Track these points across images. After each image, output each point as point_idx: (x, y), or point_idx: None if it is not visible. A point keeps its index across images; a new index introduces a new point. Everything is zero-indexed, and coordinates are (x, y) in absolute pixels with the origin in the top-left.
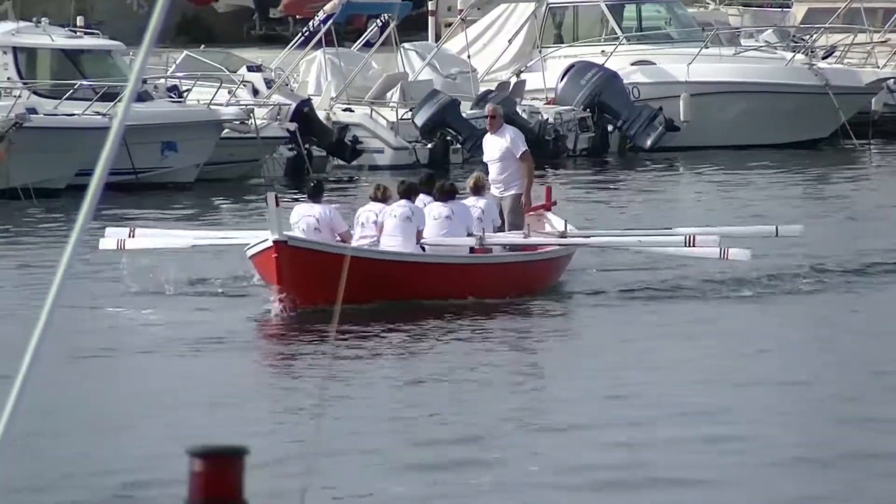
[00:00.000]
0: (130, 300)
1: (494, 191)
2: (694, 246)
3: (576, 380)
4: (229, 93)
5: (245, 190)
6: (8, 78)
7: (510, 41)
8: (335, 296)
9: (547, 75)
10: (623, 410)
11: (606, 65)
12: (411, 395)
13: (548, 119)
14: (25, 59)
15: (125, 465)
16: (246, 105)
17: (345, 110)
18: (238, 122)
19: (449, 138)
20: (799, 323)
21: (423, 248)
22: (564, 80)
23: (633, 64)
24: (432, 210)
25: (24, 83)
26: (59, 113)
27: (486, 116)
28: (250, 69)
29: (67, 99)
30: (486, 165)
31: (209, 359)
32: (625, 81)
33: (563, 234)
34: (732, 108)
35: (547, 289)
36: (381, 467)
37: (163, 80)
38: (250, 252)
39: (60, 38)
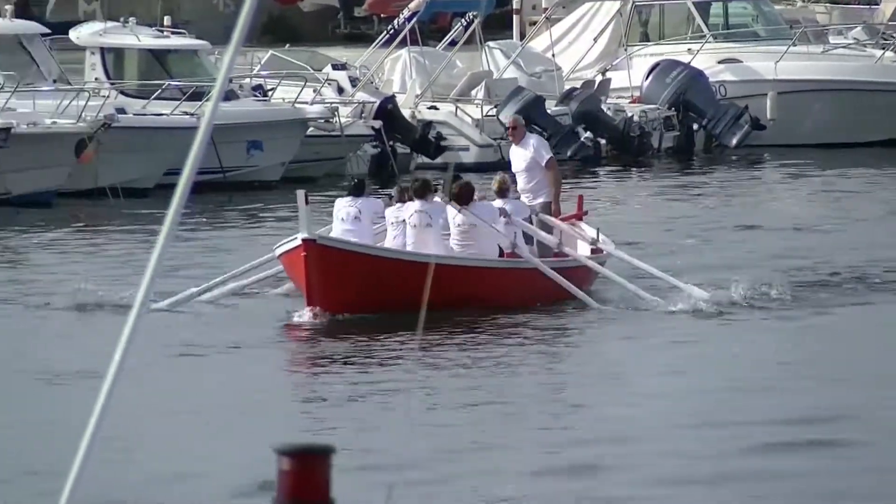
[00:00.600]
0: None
1: (524, 199)
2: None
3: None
4: (314, 91)
5: (330, 188)
6: (96, 78)
7: (595, 39)
8: (366, 299)
9: (632, 73)
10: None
11: (692, 63)
12: (491, 397)
13: (632, 117)
14: (113, 59)
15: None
16: (331, 103)
17: (430, 108)
18: (323, 121)
19: None
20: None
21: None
22: (650, 78)
23: (719, 62)
24: (453, 213)
25: (112, 83)
26: (146, 113)
27: (508, 128)
28: (335, 67)
29: (155, 99)
30: (514, 176)
31: (263, 363)
32: (711, 80)
33: (594, 242)
34: (820, 107)
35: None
36: (467, 469)
37: (248, 80)
38: (279, 250)
39: (148, 38)
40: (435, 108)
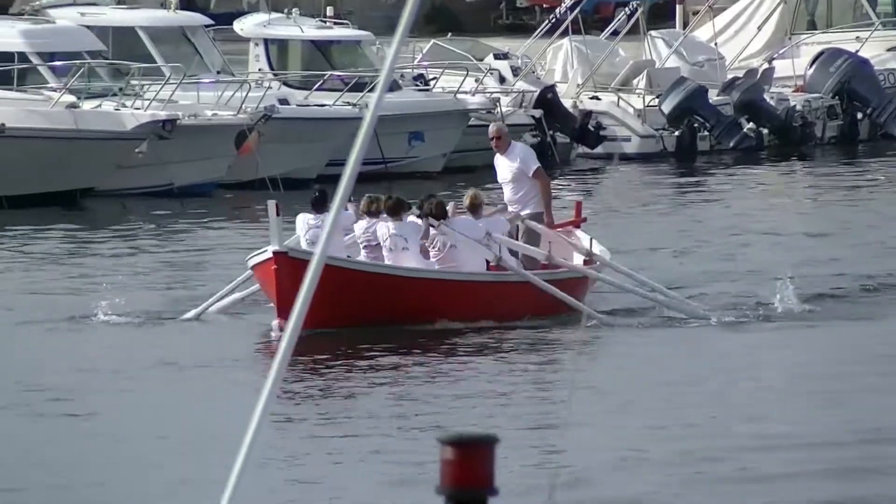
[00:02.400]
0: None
1: (512, 210)
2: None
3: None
4: (476, 81)
5: (491, 178)
6: (259, 69)
7: (760, 28)
8: (339, 314)
9: (797, 62)
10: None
11: (861, 51)
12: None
13: (795, 106)
14: (276, 50)
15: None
16: (492, 93)
17: (591, 98)
18: (484, 111)
19: (696, 125)
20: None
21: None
22: (814, 67)
23: (888, 50)
24: (436, 240)
25: (276, 74)
26: (309, 104)
27: (491, 138)
28: (497, 57)
29: (317, 90)
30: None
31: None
32: (879, 68)
33: (588, 253)
34: None
35: (568, 308)
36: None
37: (410, 70)
38: (251, 262)
39: (311, 30)
40: (597, 97)
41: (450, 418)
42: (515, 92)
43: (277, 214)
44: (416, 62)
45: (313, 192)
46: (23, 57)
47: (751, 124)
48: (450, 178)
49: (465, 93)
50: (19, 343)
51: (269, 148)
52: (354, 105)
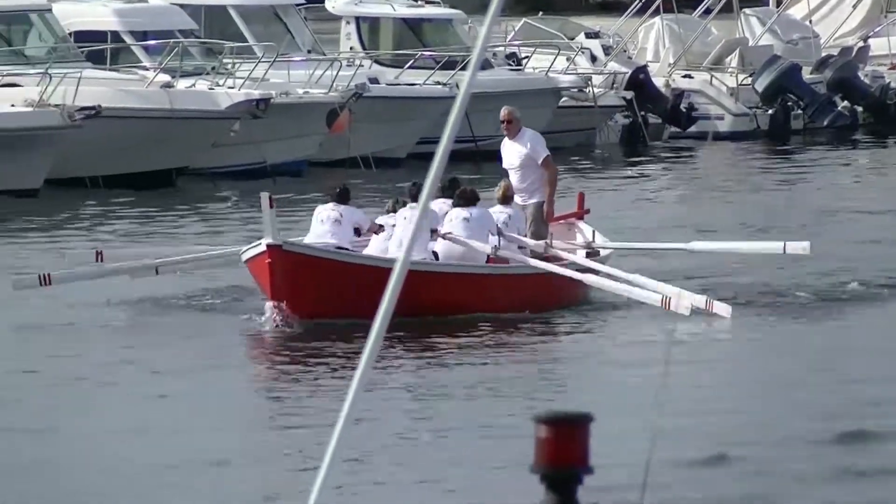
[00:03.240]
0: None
1: (517, 198)
2: (668, 308)
3: None
4: (567, 60)
5: (581, 158)
6: (351, 48)
7: (855, 6)
8: (334, 308)
9: (893, 40)
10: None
11: None
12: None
13: (890, 84)
14: (368, 28)
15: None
16: (583, 73)
17: (684, 77)
18: (576, 90)
19: (790, 104)
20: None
21: (436, 256)
22: None
23: None
24: (451, 214)
25: (367, 53)
26: (399, 82)
27: (502, 121)
28: (588, 36)
29: (408, 68)
30: (506, 172)
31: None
32: None
33: (589, 245)
34: None
35: (570, 302)
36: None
37: (502, 48)
38: (245, 256)
39: (403, 8)
40: (689, 76)
41: (540, 399)
42: (607, 72)
43: (271, 207)
44: (507, 41)
45: (336, 186)
46: (116, 36)
47: (845, 102)
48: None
49: (557, 72)
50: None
51: (360, 126)
52: (445, 84)
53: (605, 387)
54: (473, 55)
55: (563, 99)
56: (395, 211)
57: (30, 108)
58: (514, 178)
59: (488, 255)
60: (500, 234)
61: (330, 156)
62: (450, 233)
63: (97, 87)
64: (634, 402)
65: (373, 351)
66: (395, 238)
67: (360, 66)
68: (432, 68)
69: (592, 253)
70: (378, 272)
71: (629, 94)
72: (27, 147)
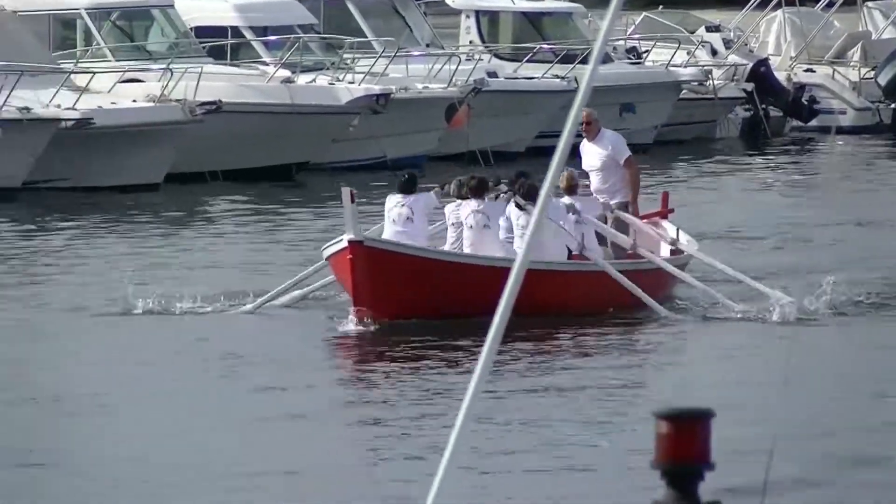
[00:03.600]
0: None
1: (599, 199)
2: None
3: None
4: (688, 54)
5: (702, 151)
6: (470, 42)
7: None
8: (417, 304)
9: None
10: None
11: None
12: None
13: None
14: (488, 22)
15: None
16: (704, 66)
17: (805, 70)
18: (696, 83)
19: None
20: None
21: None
22: None
23: None
24: (516, 213)
25: (486, 47)
26: (518, 76)
27: (582, 123)
28: (709, 29)
29: (527, 62)
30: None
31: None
32: None
33: (673, 243)
34: None
35: (655, 300)
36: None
37: (622, 42)
38: (327, 252)
39: (523, 2)
40: (811, 70)
41: (658, 395)
42: (727, 65)
43: (353, 202)
44: (627, 35)
45: (402, 175)
46: (236, 32)
47: None
48: (660, 150)
49: (677, 65)
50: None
51: (479, 121)
52: (563, 78)
53: (716, 386)
54: (595, 49)
55: (684, 92)
56: (461, 197)
57: (151, 104)
58: (595, 179)
59: (570, 251)
60: (575, 211)
61: (449, 150)
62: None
63: (218, 83)
64: (753, 400)
65: (490, 353)
66: (465, 247)
67: (480, 60)
68: (551, 62)
69: (676, 252)
70: (459, 268)
71: (750, 86)
72: (149, 142)
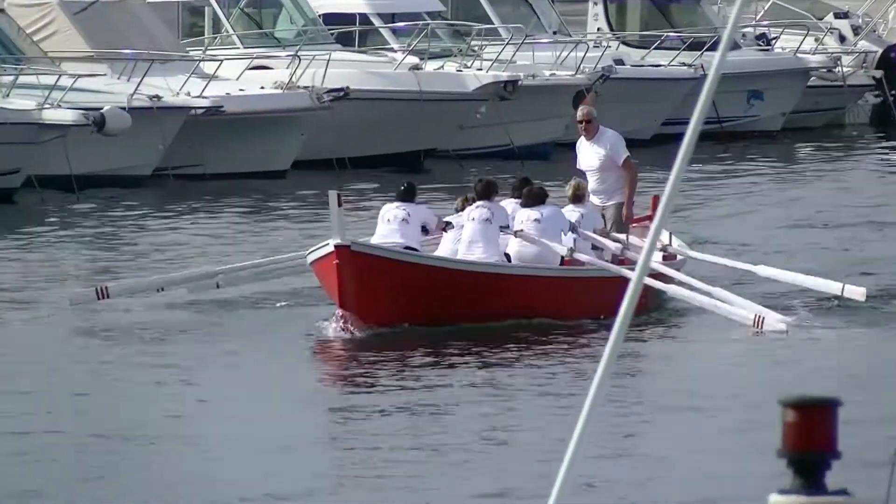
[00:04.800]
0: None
1: (595, 200)
2: (760, 328)
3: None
4: (816, 40)
5: (830, 138)
6: (598, 29)
7: None
8: (404, 311)
9: None
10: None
11: None
12: None
13: None
14: (616, 9)
15: None
16: (832, 53)
17: None
18: (825, 70)
19: None
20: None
21: (508, 258)
22: None
23: None
24: (520, 216)
25: (614, 34)
26: (645, 64)
27: (579, 121)
28: (837, 16)
29: (654, 49)
30: (583, 173)
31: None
32: None
33: (664, 249)
34: None
35: (643, 306)
36: None
37: (751, 29)
38: (311, 258)
39: None
40: None
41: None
42: (856, 51)
43: (340, 205)
44: (756, 21)
45: (402, 183)
46: (364, 18)
47: None
48: (787, 137)
49: (806, 52)
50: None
51: (606, 108)
52: (690, 65)
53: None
54: (724, 36)
55: (812, 79)
56: (464, 209)
57: (280, 90)
58: (592, 179)
59: (562, 257)
60: (574, 230)
61: (575, 137)
62: (521, 230)
63: (346, 69)
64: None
65: (610, 359)
66: (464, 239)
67: (607, 47)
68: (678, 49)
69: (668, 257)
70: (448, 274)
71: (878, 73)
72: (277, 128)
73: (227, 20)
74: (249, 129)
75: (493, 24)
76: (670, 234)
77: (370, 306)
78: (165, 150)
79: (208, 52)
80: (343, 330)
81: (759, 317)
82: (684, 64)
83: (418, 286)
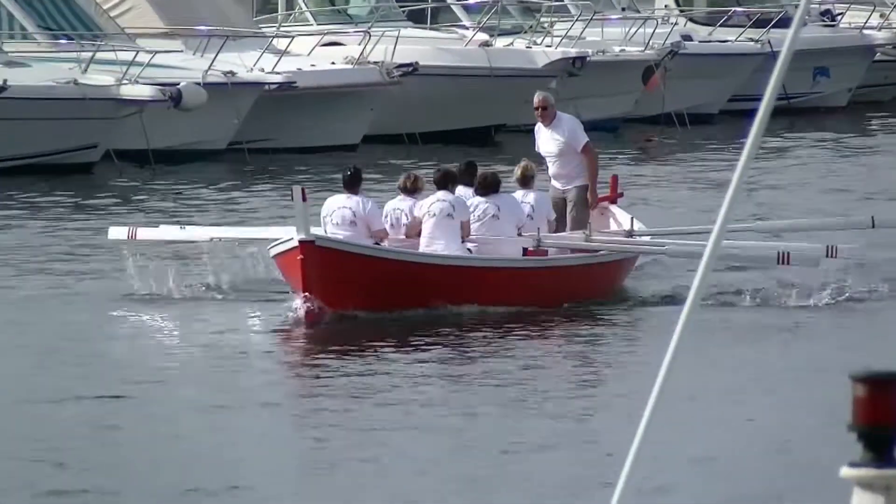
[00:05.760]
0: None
1: (556, 184)
2: (788, 263)
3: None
4: (881, 16)
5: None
6: (666, 6)
7: None
8: (367, 302)
9: None
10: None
11: None
12: None
13: None
14: None
15: None
16: None
17: None
18: (890, 46)
19: None
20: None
21: (469, 249)
22: None
23: None
24: (475, 207)
25: (682, 11)
26: (712, 40)
27: (536, 108)
28: None
29: (721, 26)
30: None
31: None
32: None
33: (629, 234)
34: None
35: (609, 293)
36: None
37: (816, 5)
38: (273, 251)
39: None
40: None
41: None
42: None
43: (304, 200)
44: None
45: (346, 169)
46: None
47: None
48: (853, 112)
49: (871, 28)
50: None
51: (674, 84)
52: (757, 41)
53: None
54: (798, 13)
55: (877, 55)
56: (406, 190)
57: (350, 66)
58: (552, 164)
59: (525, 249)
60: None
61: (644, 112)
62: (474, 243)
63: (416, 46)
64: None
65: (678, 345)
66: (424, 234)
67: (675, 24)
68: (745, 26)
69: (629, 236)
70: (415, 268)
71: None
72: (348, 103)
73: None
74: (320, 104)
75: (562, 0)
76: (631, 217)
77: (335, 298)
78: (239, 125)
79: (281, 29)
80: (306, 319)
81: (832, 247)
82: (751, 39)
83: (382, 278)
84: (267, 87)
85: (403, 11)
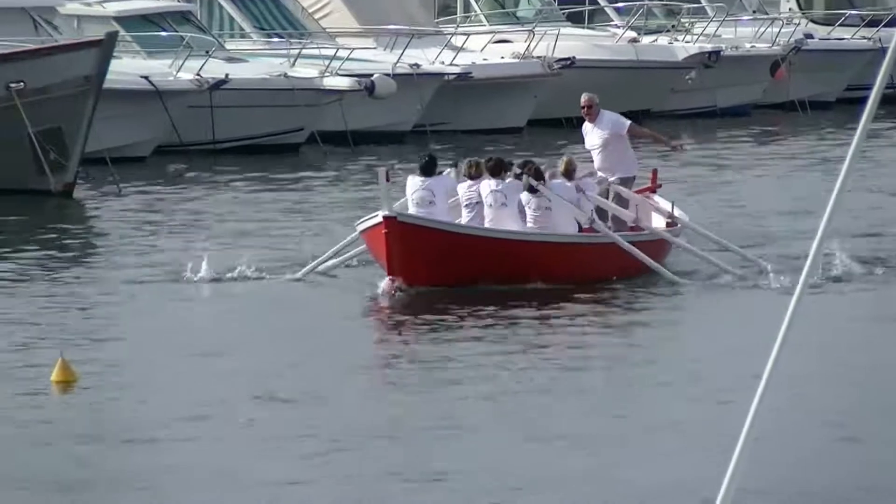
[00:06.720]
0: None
1: (601, 175)
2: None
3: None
4: None
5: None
6: (790, 9)
7: None
8: (445, 275)
9: None
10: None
11: None
12: None
13: None
14: None
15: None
16: None
17: None
18: None
19: None
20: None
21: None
22: None
23: None
24: (528, 202)
25: (803, 13)
26: (830, 38)
27: (582, 107)
28: None
29: (839, 26)
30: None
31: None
32: None
33: (670, 216)
34: None
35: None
36: None
37: None
38: (361, 227)
39: None
40: None
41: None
42: None
43: (388, 180)
44: None
45: (422, 157)
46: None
47: None
48: None
49: None
50: None
51: (797, 76)
52: (869, 39)
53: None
54: None
55: None
56: (470, 177)
57: (516, 60)
58: (597, 158)
59: (580, 226)
60: (581, 191)
61: (771, 100)
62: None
63: (574, 42)
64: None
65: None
66: (486, 217)
67: (798, 24)
68: (858, 26)
69: (671, 224)
70: (492, 243)
71: None
72: (514, 92)
73: (476, 2)
74: (491, 93)
75: (700, 3)
76: (672, 203)
77: (415, 271)
78: (423, 110)
79: (458, 29)
80: (390, 291)
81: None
82: (864, 38)
83: (460, 253)
84: (446, 77)
85: (563, 13)
